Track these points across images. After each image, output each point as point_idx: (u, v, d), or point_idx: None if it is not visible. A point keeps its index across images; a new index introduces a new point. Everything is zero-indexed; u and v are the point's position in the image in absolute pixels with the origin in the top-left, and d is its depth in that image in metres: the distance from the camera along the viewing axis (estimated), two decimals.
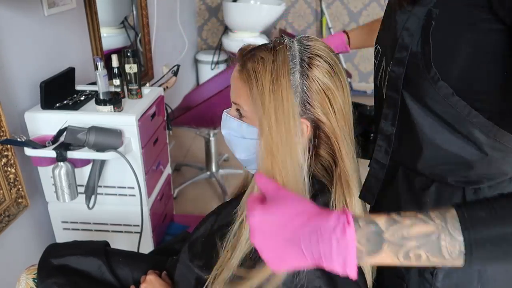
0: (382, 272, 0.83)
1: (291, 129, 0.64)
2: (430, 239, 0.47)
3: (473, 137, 0.63)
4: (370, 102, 0.97)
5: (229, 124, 0.75)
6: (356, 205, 0.71)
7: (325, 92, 0.66)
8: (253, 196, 0.54)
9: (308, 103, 0.67)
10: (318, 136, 0.70)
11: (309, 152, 0.71)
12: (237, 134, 0.73)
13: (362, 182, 0.79)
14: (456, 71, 0.60)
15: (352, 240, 0.46)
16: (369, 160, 0.95)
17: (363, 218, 0.48)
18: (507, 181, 0.71)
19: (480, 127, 0.62)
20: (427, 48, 0.61)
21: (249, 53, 0.69)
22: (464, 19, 0.57)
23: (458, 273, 0.74)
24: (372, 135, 0.93)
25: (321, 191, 0.71)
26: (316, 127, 0.69)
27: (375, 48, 0.79)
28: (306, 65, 0.66)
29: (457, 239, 0.46)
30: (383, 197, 0.79)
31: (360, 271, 0.73)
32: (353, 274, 0.47)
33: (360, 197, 0.78)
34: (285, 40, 0.69)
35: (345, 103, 0.69)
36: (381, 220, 0.48)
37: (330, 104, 0.67)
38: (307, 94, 0.66)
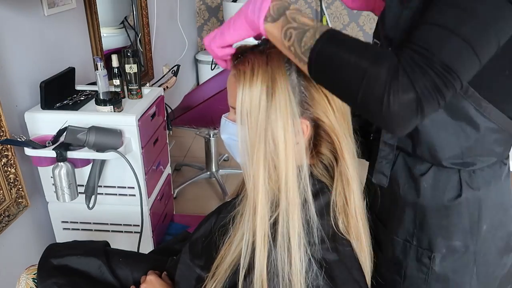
0: (380, 262, 0.85)
1: (289, 129, 0.64)
2: (304, 28, 0.59)
3: (468, 116, 0.68)
4: None
5: (228, 129, 0.75)
6: (356, 201, 0.71)
7: (323, 91, 0.66)
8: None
9: (307, 102, 0.66)
10: (319, 134, 0.70)
11: (310, 152, 0.71)
12: (237, 138, 0.73)
13: (363, 183, 0.79)
14: None
15: (268, 2, 0.61)
16: (368, 161, 0.97)
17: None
18: (499, 164, 0.77)
19: (475, 105, 0.67)
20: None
21: (241, 57, 0.69)
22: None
23: (454, 257, 0.79)
24: (372, 135, 0.94)
25: (321, 190, 0.72)
26: (316, 125, 0.69)
27: (373, 42, 0.80)
28: None
29: (316, 37, 0.58)
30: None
31: (361, 270, 0.73)
32: (260, 22, 0.61)
33: (374, 180, 0.82)
34: None
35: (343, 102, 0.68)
36: (294, 6, 0.62)
37: (329, 103, 0.67)
38: (305, 94, 0.66)
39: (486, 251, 0.79)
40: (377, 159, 0.81)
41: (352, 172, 0.70)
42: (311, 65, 0.59)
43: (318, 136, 0.70)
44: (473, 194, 0.75)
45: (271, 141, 0.65)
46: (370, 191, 0.89)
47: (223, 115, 0.76)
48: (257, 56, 0.66)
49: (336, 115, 0.68)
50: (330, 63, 0.57)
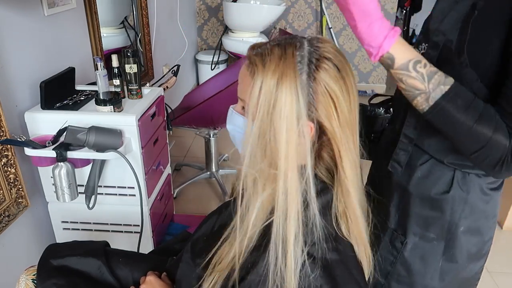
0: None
1: (293, 129, 0.64)
2: (414, 92, 0.66)
3: None
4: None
5: (234, 120, 0.75)
6: (357, 209, 0.71)
7: (330, 96, 0.65)
8: None
9: (313, 105, 0.66)
10: (321, 138, 0.69)
11: (314, 154, 0.71)
12: (241, 130, 0.73)
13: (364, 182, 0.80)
14: (487, 60, 0.67)
15: (398, 33, 0.65)
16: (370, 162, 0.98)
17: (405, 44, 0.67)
18: (493, 178, 0.79)
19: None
20: (463, 36, 0.68)
21: (258, 49, 0.68)
22: (501, 15, 0.65)
23: (425, 247, 0.83)
24: (373, 135, 0.95)
25: (324, 190, 0.72)
26: (321, 130, 0.68)
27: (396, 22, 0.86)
28: (314, 67, 0.64)
29: (429, 103, 0.65)
30: (381, 171, 0.87)
31: (361, 270, 0.73)
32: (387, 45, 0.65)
33: (390, 168, 0.86)
34: (296, 40, 0.67)
35: (350, 110, 0.67)
36: (399, 61, 0.66)
37: (335, 109, 0.66)
38: (312, 96, 0.65)
39: (456, 251, 0.82)
40: (396, 150, 0.84)
41: (352, 181, 0.69)
42: (427, 116, 0.68)
43: (320, 140, 0.70)
44: (461, 194, 0.78)
45: (273, 137, 0.64)
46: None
47: (231, 105, 0.76)
48: (273, 50, 0.66)
49: (341, 122, 0.66)
50: (448, 123, 0.67)
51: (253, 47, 0.70)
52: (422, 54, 0.73)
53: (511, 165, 0.64)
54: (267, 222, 0.68)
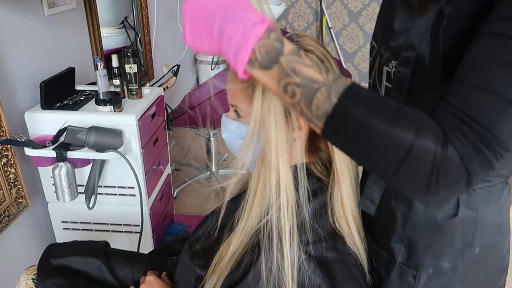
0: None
1: (281, 122, 0.64)
2: (312, 85, 0.48)
3: None
4: None
5: (229, 127, 0.75)
6: (345, 200, 0.71)
7: None
8: None
9: None
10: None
11: (309, 149, 0.71)
12: (237, 136, 0.73)
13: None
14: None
15: (255, 37, 0.48)
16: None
17: (278, 33, 0.50)
18: (501, 184, 0.70)
19: None
20: (436, 48, 0.58)
21: None
22: (471, 15, 0.54)
23: (440, 279, 0.73)
24: None
25: (320, 189, 0.72)
26: None
27: (371, 44, 0.78)
28: None
29: (332, 100, 0.48)
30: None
31: (359, 268, 0.73)
32: (239, 69, 0.49)
33: (360, 206, 0.76)
34: None
35: None
36: (289, 46, 0.49)
37: None
38: None
39: (475, 274, 0.74)
40: (367, 183, 0.73)
41: (342, 171, 0.70)
42: (327, 131, 0.50)
43: (315, 132, 0.70)
44: (470, 214, 0.69)
45: (264, 131, 0.65)
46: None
47: (223, 114, 0.77)
48: None
49: None
50: (357, 133, 0.48)
51: None
52: (393, 73, 0.66)
53: (448, 181, 0.46)
54: (264, 220, 0.68)
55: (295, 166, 0.70)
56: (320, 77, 0.49)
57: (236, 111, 0.73)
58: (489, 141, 0.45)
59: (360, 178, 0.80)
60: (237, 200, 0.78)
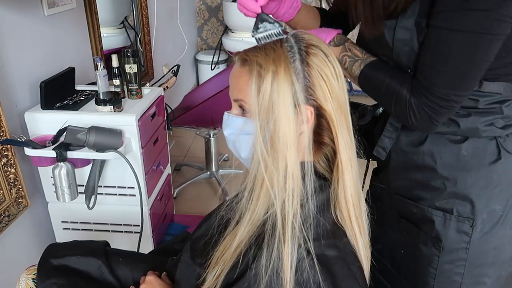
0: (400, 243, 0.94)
1: (291, 114, 0.65)
2: (355, 58, 0.86)
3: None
4: (370, 102, 0.97)
5: (233, 124, 0.74)
6: (348, 195, 0.71)
7: (323, 78, 0.68)
8: None
9: (311, 88, 0.68)
10: (321, 123, 0.71)
11: (314, 144, 0.72)
12: (242, 132, 0.73)
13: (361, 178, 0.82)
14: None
15: (335, 32, 0.90)
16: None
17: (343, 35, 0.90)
18: None
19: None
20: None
21: (248, 49, 0.71)
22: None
23: (493, 223, 0.84)
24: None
25: (323, 186, 0.73)
26: (319, 114, 0.70)
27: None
28: (305, 53, 0.68)
29: (361, 67, 0.85)
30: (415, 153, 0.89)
31: (359, 265, 0.73)
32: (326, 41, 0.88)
33: (374, 153, 0.94)
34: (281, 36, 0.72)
35: (340, 93, 0.70)
36: (349, 39, 0.89)
37: (329, 92, 0.69)
38: (308, 80, 0.67)
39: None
40: (381, 137, 0.92)
41: (346, 161, 0.71)
42: (359, 82, 0.86)
43: (321, 125, 0.71)
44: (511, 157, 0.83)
45: (273, 125, 0.65)
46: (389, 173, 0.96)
47: (225, 111, 0.76)
48: (263, 46, 0.70)
49: (334, 104, 0.69)
50: (371, 83, 0.84)
51: (242, 51, 0.72)
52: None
53: (421, 115, 0.75)
54: (272, 210, 0.68)
55: (302, 163, 0.70)
56: (360, 55, 0.86)
57: (240, 106, 0.72)
58: (430, 90, 0.74)
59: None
60: (238, 198, 0.78)
